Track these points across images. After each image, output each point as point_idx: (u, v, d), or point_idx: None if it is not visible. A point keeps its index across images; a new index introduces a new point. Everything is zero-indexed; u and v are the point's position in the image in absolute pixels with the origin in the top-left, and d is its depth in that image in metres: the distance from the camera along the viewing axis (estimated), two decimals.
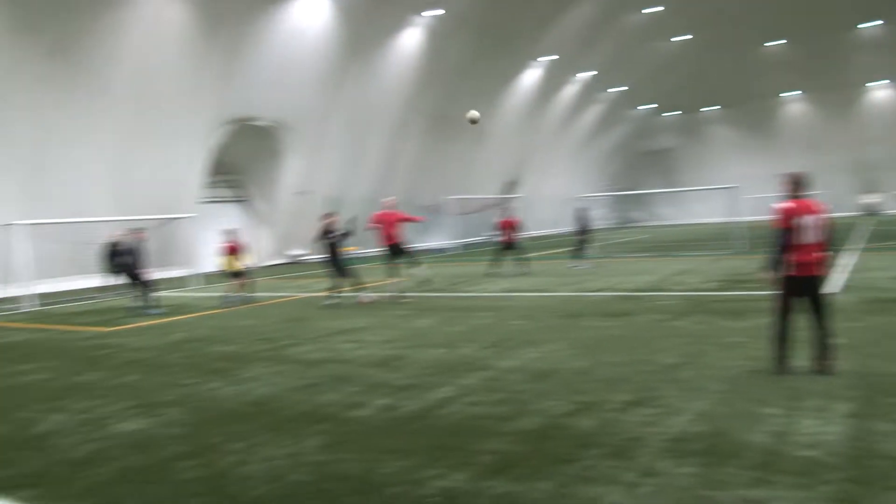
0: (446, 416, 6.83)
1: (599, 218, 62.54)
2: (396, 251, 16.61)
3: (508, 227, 22.88)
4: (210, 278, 26.29)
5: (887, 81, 63.23)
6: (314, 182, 35.78)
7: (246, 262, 18.67)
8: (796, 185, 7.75)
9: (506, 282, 19.80)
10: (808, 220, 7.53)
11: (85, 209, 24.50)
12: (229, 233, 18.80)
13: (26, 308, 19.93)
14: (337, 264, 16.52)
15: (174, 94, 27.56)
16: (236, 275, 18.34)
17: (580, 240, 24.15)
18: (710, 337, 10.06)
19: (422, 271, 17.93)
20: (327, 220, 16.67)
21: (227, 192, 35.01)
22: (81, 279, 24.71)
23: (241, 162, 34.22)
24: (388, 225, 16.55)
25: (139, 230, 18.25)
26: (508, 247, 22.80)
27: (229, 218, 34.44)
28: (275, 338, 12.26)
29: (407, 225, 17.24)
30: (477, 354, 9.75)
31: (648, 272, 20.36)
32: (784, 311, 7.72)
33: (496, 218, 24.62)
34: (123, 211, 25.70)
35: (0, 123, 22.97)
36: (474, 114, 16.10)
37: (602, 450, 5.64)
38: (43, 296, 22.03)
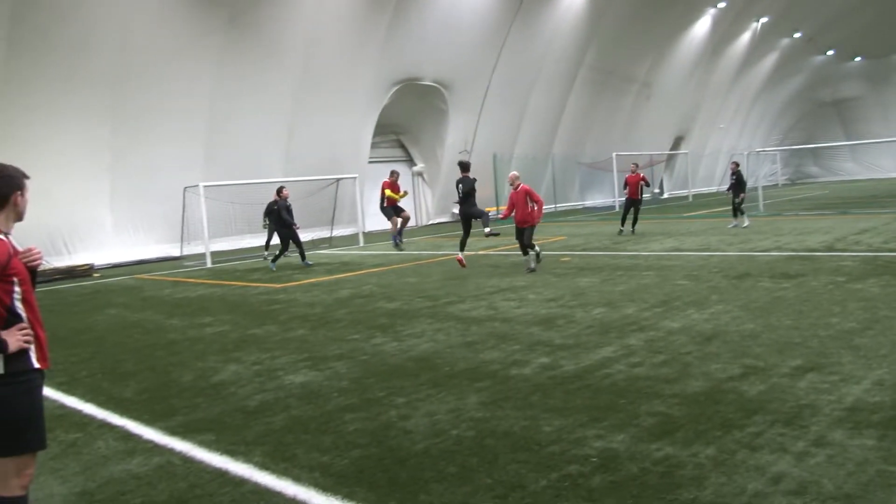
0: (608, 377, 6.76)
1: (770, 174, 59.79)
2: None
3: (635, 183, 22.59)
4: (371, 237, 27.04)
5: None
6: (477, 141, 35.92)
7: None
8: None
9: (669, 240, 19.31)
10: None
11: (258, 171, 25.64)
12: (392, 173, 20.91)
13: (203, 265, 21.14)
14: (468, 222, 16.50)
15: (341, 59, 28.20)
16: (397, 210, 19.28)
17: (735, 197, 22.98)
18: (893, 301, 9.45)
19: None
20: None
21: (391, 153, 35.69)
22: (254, 238, 25.98)
23: (405, 122, 34.75)
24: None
25: (282, 188, 19.04)
26: (633, 203, 22.49)
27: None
28: (436, 295, 12.47)
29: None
30: (640, 315, 9.59)
31: (824, 231, 19.32)
32: None
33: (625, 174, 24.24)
34: (294, 172, 26.74)
35: (186, 92, 24.22)
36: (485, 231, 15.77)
37: (770, 416, 5.43)
38: (218, 253, 23.33)
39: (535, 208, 14.98)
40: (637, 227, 22.60)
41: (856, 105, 72.59)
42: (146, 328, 11.38)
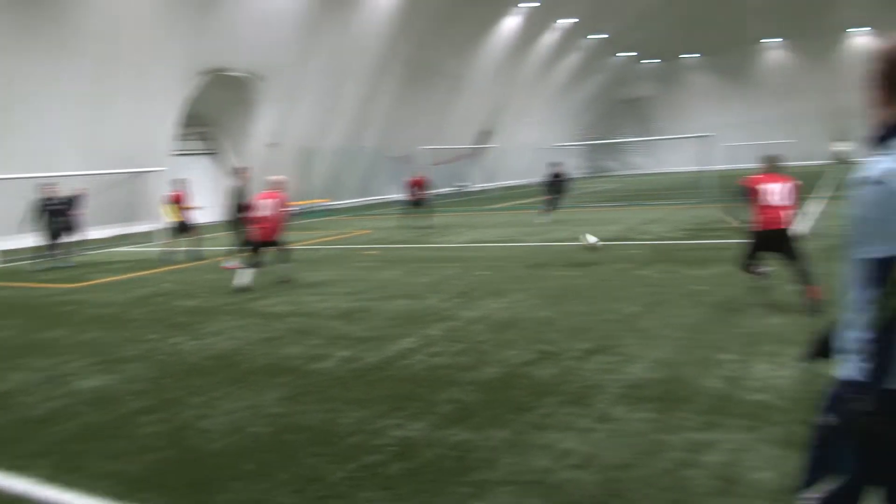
0: (407, 367, 6.87)
1: (573, 167, 62.59)
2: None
3: (417, 185, 23.05)
4: (176, 232, 26.09)
5: (868, 29, 63.08)
6: (287, 133, 35.42)
7: (192, 214, 18.02)
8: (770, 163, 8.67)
9: (473, 232, 19.84)
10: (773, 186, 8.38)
11: (52, 164, 24.07)
12: (176, 182, 18.21)
13: None
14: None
15: (145, 44, 26.95)
16: (182, 228, 17.70)
17: (551, 192, 23.65)
18: (673, 285, 10.17)
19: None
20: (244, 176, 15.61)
21: (198, 145, 34.56)
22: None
23: (212, 113, 33.70)
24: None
25: (51, 185, 18.05)
26: (417, 204, 22.99)
27: (200, 170, 34.17)
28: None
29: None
30: (441, 305, 9.80)
31: (616, 221, 20.47)
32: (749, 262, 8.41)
33: (405, 177, 24.63)
34: (92, 165, 25.32)
35: None
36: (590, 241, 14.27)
37: (560, 397, 5.72)
38: (7, 252, 21.77)
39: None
40: (442, 220, 23.04)
41: (650, 103, 77.63)
42: None
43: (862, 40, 63.68)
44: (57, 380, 7.34)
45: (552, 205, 23.13)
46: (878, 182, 2.11)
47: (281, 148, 35.18)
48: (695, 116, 70.06)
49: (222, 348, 8.15)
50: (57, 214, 17.73)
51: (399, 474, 4.53)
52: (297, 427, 5.45)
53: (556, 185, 23.56)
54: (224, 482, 4.59)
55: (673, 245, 14.50)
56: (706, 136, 30.82)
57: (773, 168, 8.62)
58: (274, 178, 13.19)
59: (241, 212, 14.28)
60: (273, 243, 12.53)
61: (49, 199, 17.84)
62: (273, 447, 5.10)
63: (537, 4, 48.05)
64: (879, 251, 2.10)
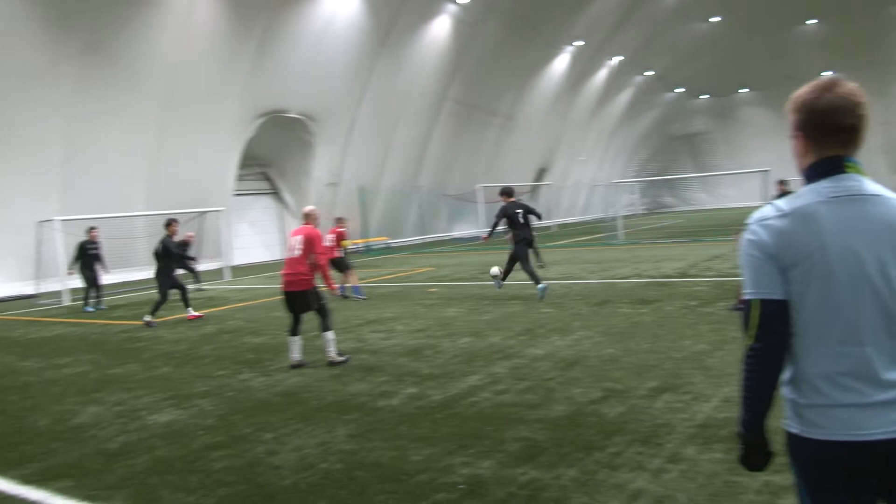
0: (474, 405, 6.87)
1: (629, 204, 62.19)
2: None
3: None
4: (238, 271, 26.52)
5: None
6: (344, 173, 35.93)
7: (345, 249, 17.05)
8: None
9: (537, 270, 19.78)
10: None
11: (118, 205, 24.78)
12: (338, 220, 17.21)
13: (60, 303, 20.18)
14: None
15: (206, 89, 27.76)
16: (341, 264, 16.37)
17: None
18: (739, 323, 10.01)
19: None
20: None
21: (257, 185, 35.25)
22: (116, 273, 25.07)
23: (271, 154, 34.42)
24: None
25: (92, 229, 18.69)
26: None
27: (260, 210, 34.81)
28: (304, 329, 12.31)
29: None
30: (505, 343, 9.80)
31: (678, 258, 20.25)
32: None
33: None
34: (156, 205, 25.99)
35: (36, 121, 23.21)
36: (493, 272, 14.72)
37: (629, 436, 5.67)
38: (78, 291, 22.34)
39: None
40: (502, 257, 22.86)
41: (704, 139, 77.04)
42: None
43: None
44: (130, 414, 7.51)
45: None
46: (747, 229, 2.29)
47: (339, 187, 35.71)
48: (751, 151, 69.21)
49: (290, 385, 8.26)
50: (94, 258, 18.34)
51: None
52: (367, 464, 5.49)
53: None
54: None
55: (737, 281, 14.28)
56: (763, 171, 30.37)
57: None
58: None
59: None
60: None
61: (92, 242, 18.44)
62: (344, 484, 5.14)
63: (583, 43, 48.25)
64: (746, 293, 2.29)
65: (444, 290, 16.61)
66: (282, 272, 9.46)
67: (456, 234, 44.72)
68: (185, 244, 17.49)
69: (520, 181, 48.72)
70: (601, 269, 18.69)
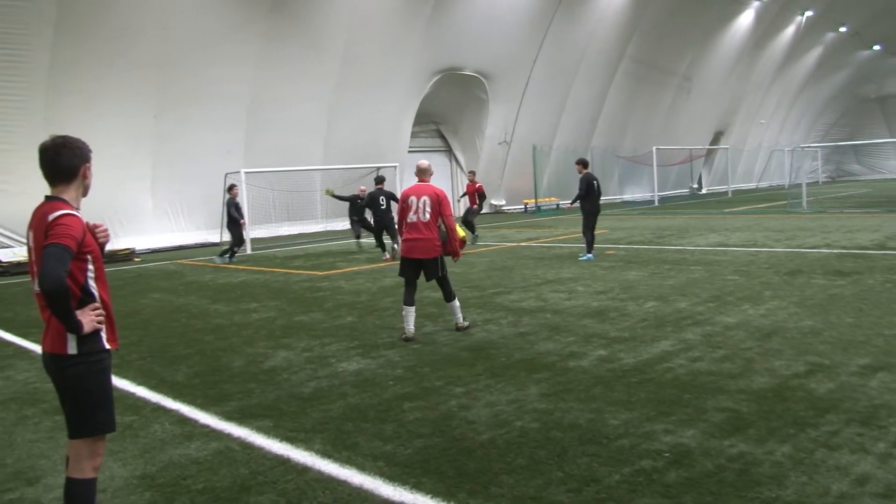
0: (669, 371, 6.59)
1: (811, 170, 58.81)
2: None
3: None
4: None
5: None
6: (517, 132, 35.72)
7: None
8: None
9: (714, 235, 19.02)
10: None
11: (297, 158, 25.62)
12: (472, 173, 19.74)
13: (243, 252, 21.11)
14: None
15: (383, 47, 28.13)
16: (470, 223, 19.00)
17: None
18: None
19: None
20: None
21: (431, 142, 35.59)
22: (292, 225, 26.03)
23: (445, 112, 34.63)
24: None
25: (232, 186, 19.50)
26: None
27: (433, 167, 35.13)
28: (483, 286, 12.33)
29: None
30: (694, 309, 9.40)
31: (873, 229, 18.93)
32: None
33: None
34: (333, 160, 26.72)
35: (228, 79, 24.26)
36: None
37: (845, 415, 5.25)
38: (257, 240, 23.34)
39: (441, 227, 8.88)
40: (679, 221, 22.23)
41: None
42: (191, 313, 11.37)
43: None
44: (320, 360, 7.68)
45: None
46: None
47: (511, 146, 35.54)
48: None
49: (476, 340, 8.23)
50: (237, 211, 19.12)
51: (678, 483, 4.30)
52: (563, 425, 5.34)
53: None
54: (495, 475, 4.55)
55: None
56: None
57: None
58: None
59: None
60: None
61: (234, 197, 19.28)
62: (541, 443, 5.01)
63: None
64: None
65: (621, 253, 16.21)
66: (407, 236, 8.76)
67: (628, 196, 43.70)
68: (357, 198, 18.87)
69: (695, 145, 47.07)
70: (786, 238, 17.71)
